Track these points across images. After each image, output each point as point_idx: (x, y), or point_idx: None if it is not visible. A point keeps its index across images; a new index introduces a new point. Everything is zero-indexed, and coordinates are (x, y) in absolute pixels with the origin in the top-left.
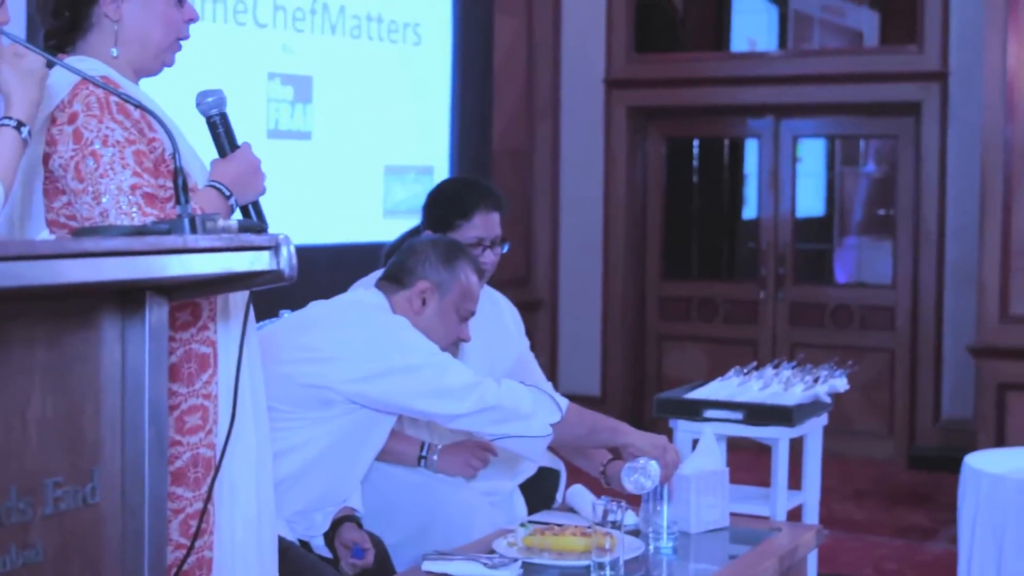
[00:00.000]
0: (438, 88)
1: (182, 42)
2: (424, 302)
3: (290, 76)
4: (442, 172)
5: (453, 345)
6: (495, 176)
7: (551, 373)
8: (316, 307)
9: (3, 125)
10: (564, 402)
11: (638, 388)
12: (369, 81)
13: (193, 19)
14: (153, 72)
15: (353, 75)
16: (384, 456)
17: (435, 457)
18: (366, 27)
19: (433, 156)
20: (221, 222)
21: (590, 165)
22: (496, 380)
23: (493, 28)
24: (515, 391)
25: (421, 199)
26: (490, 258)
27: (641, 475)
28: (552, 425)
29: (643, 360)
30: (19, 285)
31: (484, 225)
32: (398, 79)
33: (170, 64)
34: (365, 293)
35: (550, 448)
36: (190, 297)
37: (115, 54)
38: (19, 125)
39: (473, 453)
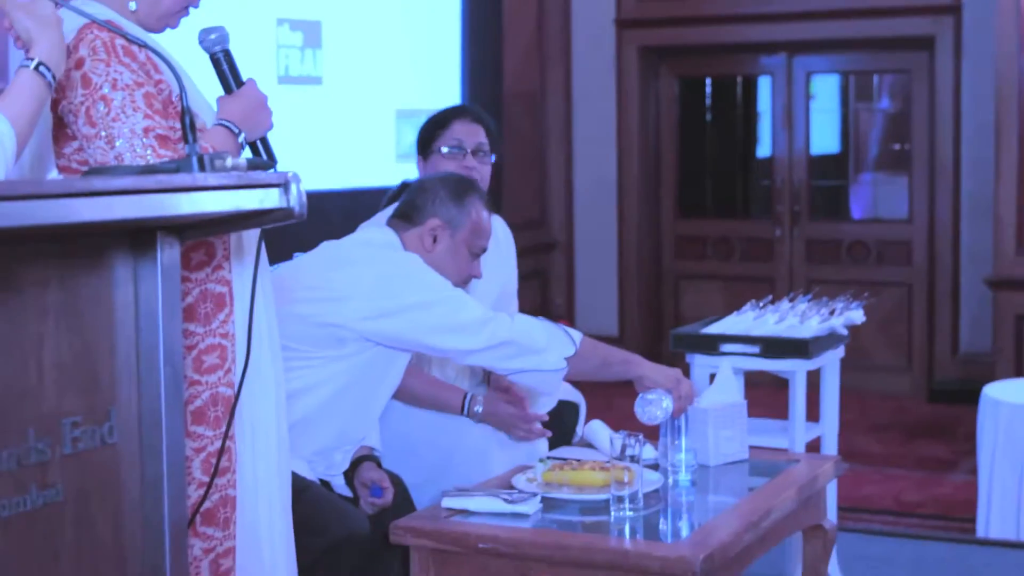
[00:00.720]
0: (448, 31)
1: (193, 7)
2: (435, 239)
3: (299, 21)
4: None
5: (464, 282)
6: (507, 119)
7: (568, 313)
8: (327, 247)
9: (23, 66)
10: (578, 335)
11: (655, 327)
12: (379, 25)
13: None
14: (157, 31)
15: (363, 19)
16: (426, 404)
17: (478, 408)
18: None
19: (444, 99)
20: (230, 160)
21: (602, 106)
22: (509, 315)
23: None
24: (529, 325)
25: None
26: (472, 163)
27: (654, 406)
28: (567, 359)
29: (660, 299)
30: (29, 224)
31: (464, 132)
32: (408, 23)
33: (174, 27)
34: (376, 231)
35: (572, 382)
36: (201, 236)
37: (134, 7)
38: (39, 65)
39: (522, 424)
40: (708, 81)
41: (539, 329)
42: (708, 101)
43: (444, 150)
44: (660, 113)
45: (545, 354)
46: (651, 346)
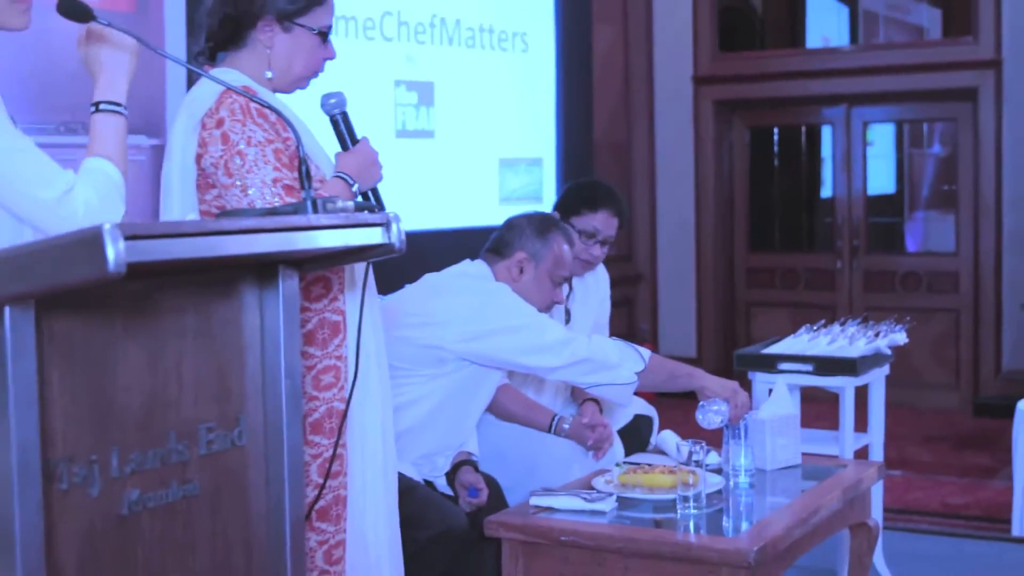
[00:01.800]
0: (544, 89)
1: (319, 73)
2: (521, 270)
3: (414, 83)
4: (550, 163)
5: (547, 308)
6: (598, 166)
7: (653, 337)
8: (428, 278)
9: (112, 112)
10: (647, 353)
11: (729, 349)
12: (483, 85)
13: (331, 58)
14: (287, 92)
15: (469, 80)
16: (519, 421)
17: (566, 426)
18: (479, 37)
19: (542, 149)
20: (340, 203)
21: (682, 153)
22: (587, 336)
23: (592, 34)
24: (603, 345)
25: (532, 187)
26: (597, 252)
27: (713, 414)
28: (637, 373)
29: (733, 324)
30: (170, 258)
31: (604, 223)
32: (509, 82)
33: (303, 88)
34: (471, 264)
35: (644, 396)
36: (317, 269)
37: (269, 76)
38: (117, 106)
39: (597, 439)
40: (775, 130)
41: (612, 348)
42: (776, 148)
43: (581, 233)
44: (733, 159)
45: (618, 369)
46: (724, 365)
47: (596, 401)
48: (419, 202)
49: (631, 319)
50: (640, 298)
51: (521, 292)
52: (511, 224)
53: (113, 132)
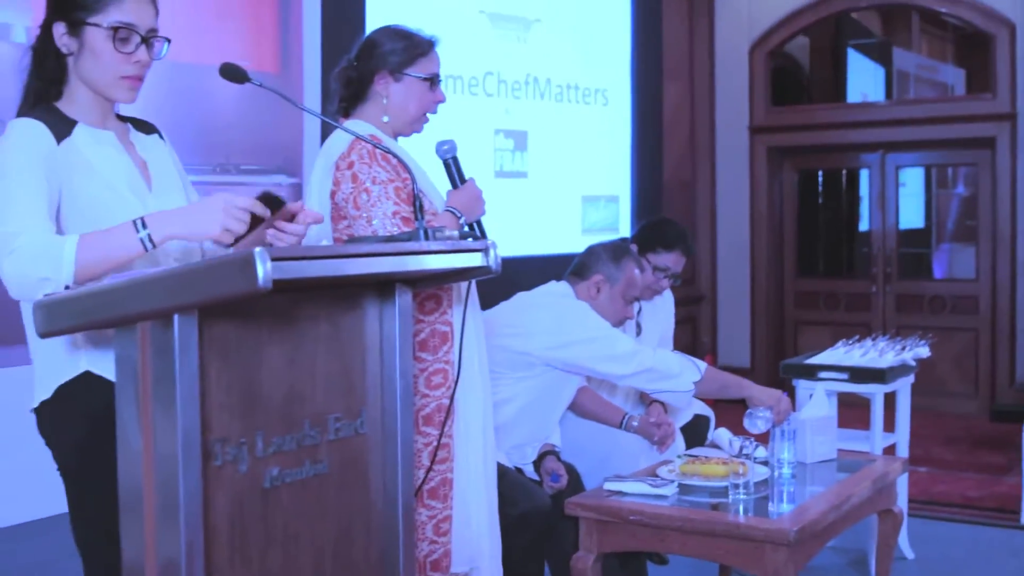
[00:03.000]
0: (621, 136)
1: (430, 115)
2: (599, 290)
3: (511, 131)
4: (625, 200)
5: (620, 322)
6: (666, 202)
7: (712, 350)
8: (520, 296)
9: (137, 235)
10: (703, 365)
11: (778, 361)
12: (570, 133)
13: (441, 101)
14: (407, 135)
15: (558, 129)
16: (594, 418)
17: (635, 424)
18: (566, 93)
19: (618, 188)
20: (448, 232)
21: (739, 192)
22: (652, 349)
23: (663, 90)
24: (666, 357)
25: (609, 220)
26: (665, 284)
27: (758, 420)
28: (694, 382)
29: (782, 340)
30: (304, 277)
31: (675, 261)
32: (591, 131)
33: (419, 131)
34: (556, 284)
35: (702, 399)
36: (428, 287)
37: (386, 120)
38: (150, 237)
39: (662, 435)
40: (820, 173)
41: (674, 360)
42: (820, 188)
43: (655, 269)
44: (783, 198)
45: (678, 379)
46: (774, 375)
47: (662, 403)
48: (514, 232)
49: (694, 334)
50: (702, 316)
51: (598, 309)
52: (591, 251)
53: (111, 243)
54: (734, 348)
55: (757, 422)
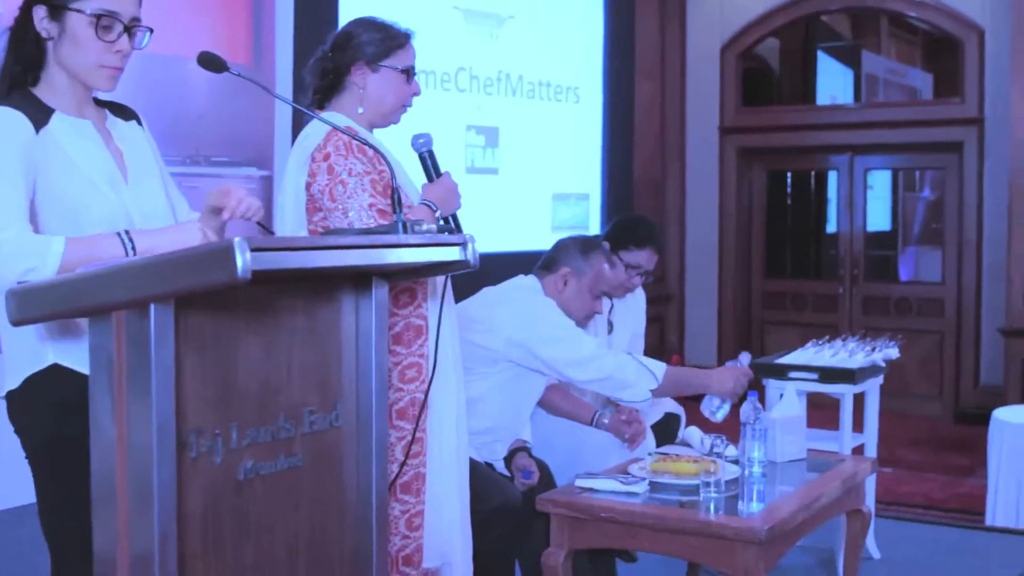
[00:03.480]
0: (593, 134)
1: (407, 107)
2: (565, 283)
3: (482, 127)
4: (596, 198)
5: (587, 317)
6: (637, 201)
7: (680, 348)
8: (486, 292)
9: (120, 243)
10: (661, 370)
11: None
12: (541, 130)
13: (417, 93)
14: (382, 127)
15: (529, 126)
16: (565, 415)
17: (605, 421)
18: (538, 90)
19: (589, 185)
20: (425, 226)
21: (708, 192)
22: (615, 353)
23: (635, 89)
24: (624, 365)
25: (579, 218)
26: (637, 282)
27: (715, 410)
28: (651, 390)
29: (749, 340)
30: (283, 267)
31: (647, 259)
32: (563, 128)
33: (396, 122)
34: (523, 279)
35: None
36: (404, 280)
37: (361, 111)
38: (133, 244)
39: (632, 433)
40: (789, 174)
41: (631, 368)
42: (789, 190)
43: (628, 266)
44: (752, 198)
45: (634, 388)
46: None
47: None
48: (484, 228)
49: (663, 333)
50: (670, 315)
51: (564, 302)
52: (559, 244)
53: (97, 245)
54: (701, 347)
55: (713, 411)
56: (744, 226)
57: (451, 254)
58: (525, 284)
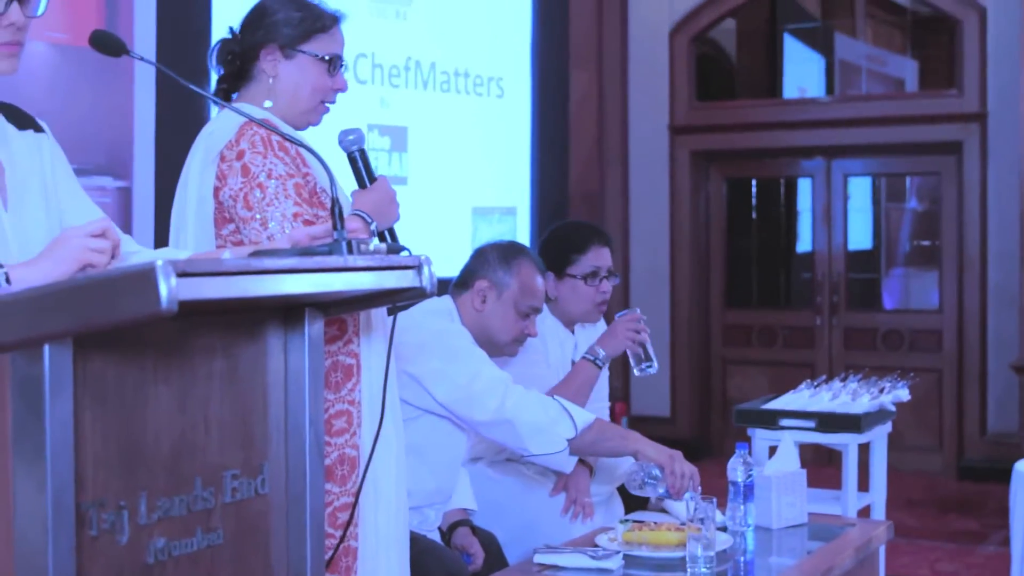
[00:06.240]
0: (520, 135)
1: (330, 105)
2: (484, 299)
3: (387, 127)
4: (524, 213)
5: (516, 342)
6: (571, 216)
7: (624, 395)
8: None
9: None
10: (584, 420)
11: (704, 409)
12: (458, 130)
13: (341, 89)
14: (299, 128)
15: (444, 125)
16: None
17: None
18: (454, 82)
19: (516, 198)
20: (373, 245)
21: (657, 205)
22: (529, 391)
23: (568, 81)
24: (532, 407)
25: (505, 236)
26: (607, 287)
27: (647, 481)
28: (568, 440)
29: (709, 383)
30: (216, 297)
31: (597, 258)
32: (484, 128)
33: (315, 123)
34: (435, 301)
35: None
36: (343, 312)
37: (268, 105)
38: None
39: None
40: (753, 182)
41: (550, 410)
42: (754, 201)
43: (585, 278)
44: (709, 211)
45: (546, 435)
46: (700, 425)
47: (588, 464)
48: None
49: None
50: None
51: (483, 323)
52: (477, 252)
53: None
54: (650, 394)
55: (645, 483)
56: (701, 246)
57: (405, 279)
58: (434, 307)
